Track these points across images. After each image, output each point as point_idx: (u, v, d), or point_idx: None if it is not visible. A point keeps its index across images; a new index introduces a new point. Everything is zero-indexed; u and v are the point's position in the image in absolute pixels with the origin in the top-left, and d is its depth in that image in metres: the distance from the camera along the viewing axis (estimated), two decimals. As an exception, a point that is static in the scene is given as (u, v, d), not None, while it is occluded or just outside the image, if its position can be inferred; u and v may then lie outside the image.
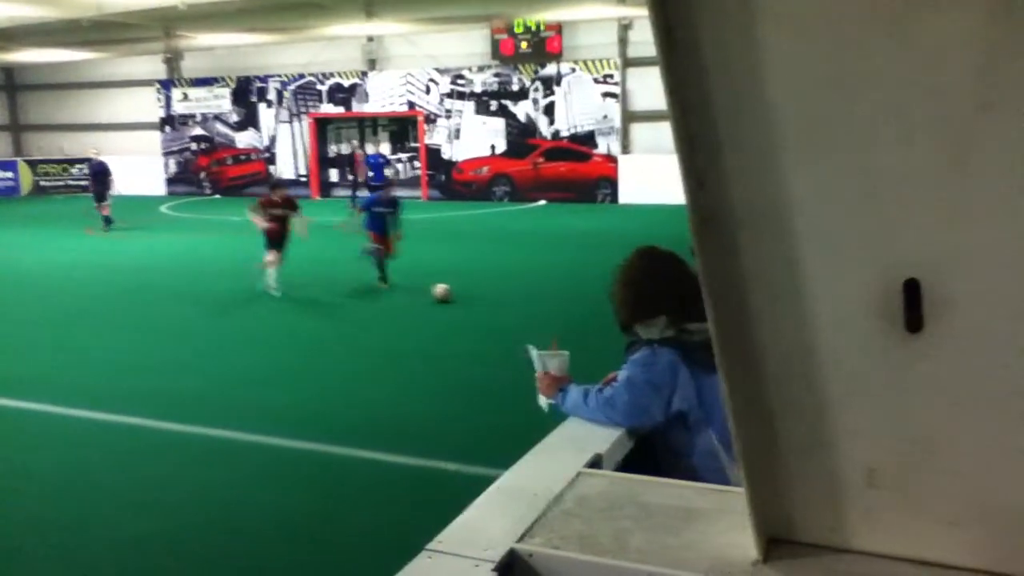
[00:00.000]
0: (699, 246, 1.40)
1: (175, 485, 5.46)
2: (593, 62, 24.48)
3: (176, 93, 29.61)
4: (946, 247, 1.30)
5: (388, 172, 21.94)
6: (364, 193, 24.16)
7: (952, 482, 1.47)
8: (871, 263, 1.36)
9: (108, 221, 19.02)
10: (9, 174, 30.58)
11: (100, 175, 19.36)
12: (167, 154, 30.04)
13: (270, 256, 11.60)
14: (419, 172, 26.56)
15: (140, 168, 28.98)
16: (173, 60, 29.66)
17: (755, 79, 1.28)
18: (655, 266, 2.72)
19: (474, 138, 25.93)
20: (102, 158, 20.17)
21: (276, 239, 11.72)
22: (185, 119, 29.64)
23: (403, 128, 27.42)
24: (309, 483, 5.50)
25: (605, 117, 24.57)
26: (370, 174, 21.29)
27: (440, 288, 10.83)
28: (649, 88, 23.33)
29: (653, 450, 2.57)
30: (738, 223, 1.40)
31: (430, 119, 26.29)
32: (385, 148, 26.99)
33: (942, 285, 1.33)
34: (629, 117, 24.50)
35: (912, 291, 1.34)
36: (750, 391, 1.53)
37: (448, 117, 26.10)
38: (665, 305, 2.63)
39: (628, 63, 24.13)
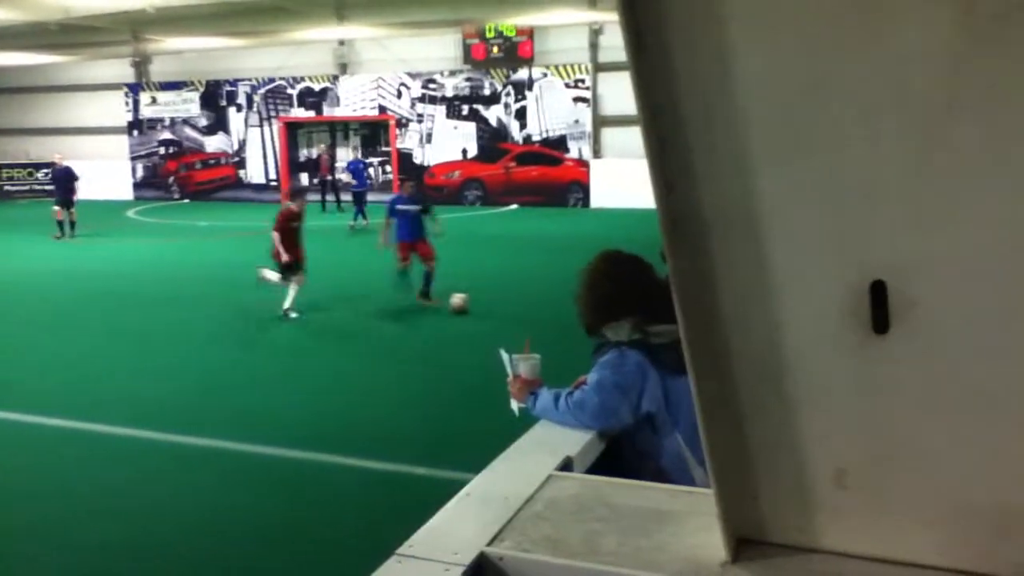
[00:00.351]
0: (669, 248, 1.40)
1: (147, 491, 5.40)
2: (564, 67, 24.55)
3: (144, 97, 29.29)
4: (912, 248, 1.31)
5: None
6: (331, 197, 24.15)
7: (920, 481, 1.48)
8: (840, 265, 1.36)
9: (71, 226, 18.71)
10: (-29, 179, 30.07)
11: (65, 180, 19.05)
12: (135, 158, 29.70)
13: (287, 278, 10.18)
14: (391, 176, 26.47)
15: (107, 172, 28.57)
16: (141, 64, 29.35)
17: (724, 83, 1.28)
18: (618, 269, 2.72)
19: (446, 142, 25.88)
20: (67, 163, 19.86)
21: (296, 261, 10.21)
22: (153, 123, 29.32)
23: (374, 132, 27.32)
24: (283, 488, 5.45)
25: (576, 122, 24.63)
26: (353, 180, 21.07)
27: (457, 298, 10.27)
28: (620, 92, 23.34)
29: (623, 452, 2.57)
30: (708, 225, 1.40)
31: (401, 123, 26.22)
32: (357, 153, 26.88)
33: (908, 286, 1.33)
34: (600, 121, 24.58)
35: (879, 292, 1.35)
36: (720, 392, 1.53)
37: (420, 121, 26.04)
38: (628, 308, 2.63)
39: (599, 68, 24.21)
